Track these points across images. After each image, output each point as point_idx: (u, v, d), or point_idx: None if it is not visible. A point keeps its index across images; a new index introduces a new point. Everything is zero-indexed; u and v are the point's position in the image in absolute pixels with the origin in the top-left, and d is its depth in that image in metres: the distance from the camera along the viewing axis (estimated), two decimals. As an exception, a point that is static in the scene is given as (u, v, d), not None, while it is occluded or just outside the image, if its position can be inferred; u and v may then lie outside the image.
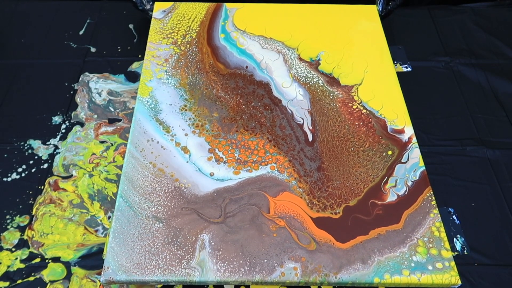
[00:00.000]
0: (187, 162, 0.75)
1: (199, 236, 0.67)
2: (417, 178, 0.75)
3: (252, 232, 0.68)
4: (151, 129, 0.79)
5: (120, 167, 0.89)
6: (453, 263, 0.66)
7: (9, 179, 0.89)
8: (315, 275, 0.65)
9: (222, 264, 0.64)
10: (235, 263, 0.65)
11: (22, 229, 0.82)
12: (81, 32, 1.14)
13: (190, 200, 0.70)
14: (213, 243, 0.66)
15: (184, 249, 0.66)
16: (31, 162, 0.91)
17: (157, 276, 0.63)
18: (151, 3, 1.05)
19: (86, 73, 1.06)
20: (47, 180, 0.89)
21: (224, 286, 0.74)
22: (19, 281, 0.77)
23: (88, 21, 1.16)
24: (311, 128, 0.81)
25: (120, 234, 0.66)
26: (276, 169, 0.75)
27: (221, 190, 0.72)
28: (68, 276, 0.77)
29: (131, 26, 1.16)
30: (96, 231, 0.83)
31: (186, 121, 0.81)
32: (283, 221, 0.69)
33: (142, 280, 0.63)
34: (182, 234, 0.67)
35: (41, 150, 0.92)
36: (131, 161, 0.74)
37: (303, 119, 0.83)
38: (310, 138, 0.80)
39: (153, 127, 0.79)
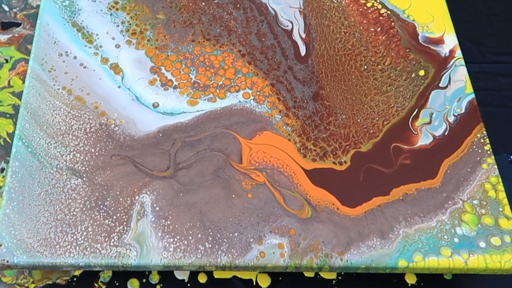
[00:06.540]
0: (119, 87, 0.69)
1: (137, 197, 0.62)
2: (463, 111, 0.70)
3: (216, 191, 0.63)
4: (65, 38, 0.72)
5: (19, 95, 0.83)
6: (516, 238, 0.63)
7: None
8: (311, 256, 0.60)
9: (172, 240, 0.60)
10: (190, 238, 0.60)
11: None
12: None
13: (123, 144, 0.65)
14: (157, 208, 0.62)
15: (115, 217, 0.61)
16: None
17: (74, 258, 0.58)
18: None
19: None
20: None
21: (175, 272, 0.69)
22: None
23: None
24: (304, 36, 0.76)
25: (19, 195, 0.61)
26: (252, 97, 0.70)
27: (169, 129, 0.67)
28: None
29: None
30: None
31: (118, 25, 0.74)
32: (262, 175, 0.64)
33: (52, 263, 0.57)
34: (112, 195, 0.62)
35: None
36: (35, 85, 0.69)
37: (292, 22, 0.77)
38: (303, 51, 0.75)
39: (68, 34, 0.73)
